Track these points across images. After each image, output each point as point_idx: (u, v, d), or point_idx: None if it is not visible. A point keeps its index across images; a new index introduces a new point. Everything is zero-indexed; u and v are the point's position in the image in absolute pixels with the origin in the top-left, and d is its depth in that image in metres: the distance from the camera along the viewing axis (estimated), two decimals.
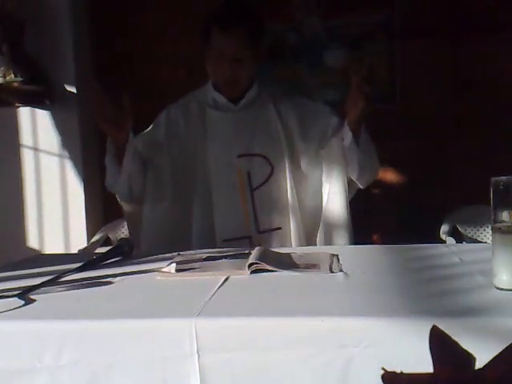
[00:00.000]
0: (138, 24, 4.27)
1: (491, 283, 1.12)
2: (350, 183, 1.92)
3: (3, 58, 3.82)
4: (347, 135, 1.82)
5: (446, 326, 0.94)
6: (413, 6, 3.95)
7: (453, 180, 4.02)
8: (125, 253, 1.61)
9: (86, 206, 4.16)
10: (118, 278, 1.34)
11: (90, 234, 4.11)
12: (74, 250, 3.78)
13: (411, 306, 1.04)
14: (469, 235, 3.72)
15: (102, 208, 4.38)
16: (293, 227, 1.89)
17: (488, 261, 1.17)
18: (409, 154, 3.89)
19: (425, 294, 1.11)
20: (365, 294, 1.13)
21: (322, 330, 0.97)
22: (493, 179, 1.09)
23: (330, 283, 1.22)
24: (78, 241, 4.06)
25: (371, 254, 1.55)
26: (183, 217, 1.91)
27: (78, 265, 1.44)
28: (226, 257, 1.50)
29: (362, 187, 1.94)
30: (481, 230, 3.71)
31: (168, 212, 1.92)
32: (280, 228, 1.91)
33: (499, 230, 1.08)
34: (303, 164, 1.93)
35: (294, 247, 1.80)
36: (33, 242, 4.15)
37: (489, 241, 3.50)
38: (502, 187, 1.08)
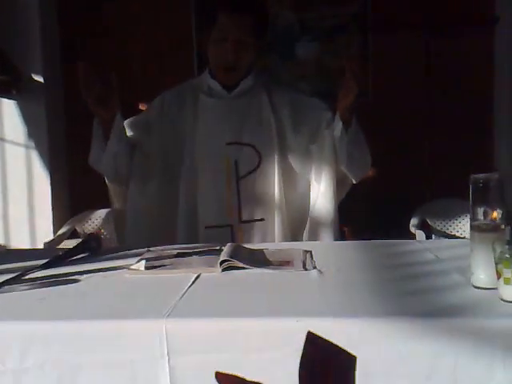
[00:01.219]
0: (106, 20, 4.19)
1: (469, 282, 1.11)
2: (342, 179, 1.91)
3: None
4: (338, 125, 1.81)
5: (423, 326, 0.93)
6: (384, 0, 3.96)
7: (423, 174, 4.04)
8: (92, 248, 1.56)
9: (52, 197, 4.09)
10: (85, 276, 1.30)
11: (56, 226, 4.05)
12: (40, 243, 3.72)
13: (387, 305, 1.02)
14: (438, 228, 3.75)
15: (68, 200, 4.31)
16: (276, 220, 1.88)
17: (464, 258, 1.16)
18: (381, 148, 3.89)
19: (401, 293, 1.09)
20: (339, 293, 1.11)
21: (296, 331, 0.94)
22: (472, 176, 1.07)
23: (304, 281, 1.20)
24: (45, 233, 3.99)
25: (345, 250, 1.53)
26: (169, 200, 1.90)
27: (44, 261, 1.40)
28: (197, 253, 1.47)
29: (354, 181, 1.92)
30: (450, 223, 3.74)
31: (154, 195, 1.91)
32: (263, 219, 1.89)
33: (478, 228, 1.06)
34: (292, 158, 1.91)
35: (266, 243, 1.77)
36: None
37: (458, 234, 3.54)
38: (481, 184, 1.06)
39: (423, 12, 3.91)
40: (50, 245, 3.72)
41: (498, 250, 0.97)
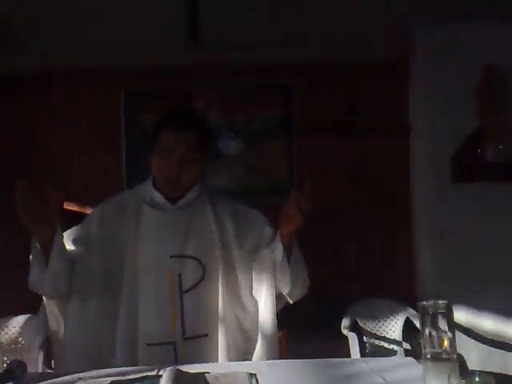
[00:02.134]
0: (35, 115, 4.15)
1: None
2: (279, 296, 1.87)
3: None
4: (278, 247, 1.80)
5: None
6: (309, 104, 4.16)
7: (351, 273, 4.11)
8: (17, 377, 1.43)
9: None
10: None
11: None
12: None
13: None
14: (368, 329, 3.74)
15: None
16: (220, 335, 1.80)
17: (412, 381, 1.14)
18: (310, 246, 3.94)
19: None
20: None
21: None
22: (420, 304, 1.07)
23: None
24: None
25: (290, 371, 1.47)
26: (108, 316, 1.80)
27: None
28: (133, 381, 1.38)
29: (290, 302, 1.90)
30: (380, 324, 3.75)
31: (94, 311, 1.81)
32: (207, 335, 1.81)
33: (431, 359, 1.05)
34: (236, 271, 1.88)
35: (209, 364, 1.69)
36: None
37: (388, 335, 3.54)
38: (430, 312, 1.05)
39: (345, 117, 4.14)
40: None
41: (455, 382, 0.95)
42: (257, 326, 1.86)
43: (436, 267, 3.91)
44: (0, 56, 4.00)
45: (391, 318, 3.71)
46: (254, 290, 1.88)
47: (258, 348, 1.83)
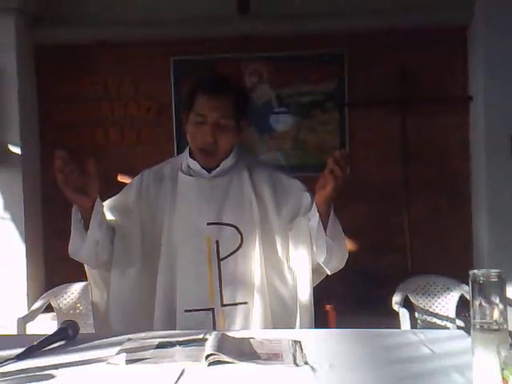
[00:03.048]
0: (87, 88, 4.21)
1: (469, 382, 1.05)
2: (317, 269, 1.85)
3: None
4: (314, 215, 1.76)
5: None
6: (362, 76, 4.06)
7: (403, 248, 4.03)
8: (69, 337, 1.48)
9: (27, 270, 4.00)
10: (61, 370, 1.21)
11: (31, 300, 3.93)
12: (14, 317, 3.58)
13: None
14: (420, 306, 3.69)
15: (44, 273, 4.21)
16: (259, 304, 1.80)
17: (461, 353, 1.12)
18: (358, 222, 3.90)
19: None
20: None
21: None
22: (471, 272, 1.03)
23: (296, 379, 1.13)
24: (19, 307, 3.87)
25: (337, 341, 1.45)
26: (148, 283, 1.83)
27: (17, 351, 1.31)
28: (179, 343, 1.40)
29: (329, 273, 1.87)
30: (432, 300, 3.68)
31: (135, 279, 1.84)
32: (246, 303, 1.82)
33: (480, 329, 1.01)
34: (274, 240, 1.86)
35: (253, 330, 1.70)
36: None
37: (441, 312, 3.48)
38: (481, 281, 1.01)
39: (397, 87, 4.02)
40: (24, 320, 3.58)
41: (504, 353, 0.92)
42: (293, 295, 1.84)
43: (494, 244, 3.81)
44: (52, 27, 4.10)
45: (445, 294, 3.64)
46: (290, 258, 1.87)
47: (294, 317, 1.82)
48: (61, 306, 3.78)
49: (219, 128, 1.80)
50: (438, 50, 3.99)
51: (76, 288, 3.83)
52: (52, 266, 4.16)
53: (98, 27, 4.11)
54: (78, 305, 3.77)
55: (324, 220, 1.74)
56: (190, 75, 3.96)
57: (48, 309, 3.79)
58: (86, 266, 1.90)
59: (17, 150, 3.95)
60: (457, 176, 4.06)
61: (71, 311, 3.71)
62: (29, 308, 3.84)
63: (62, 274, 3.90)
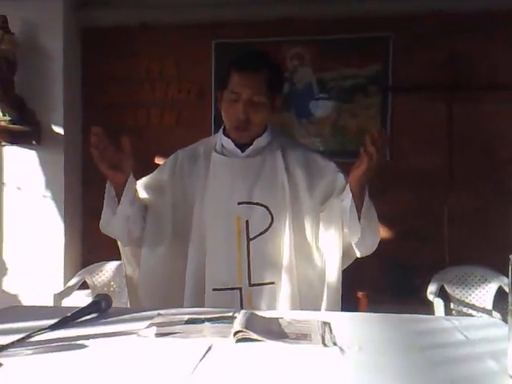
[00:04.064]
0: (129, 70, 4.24)
1: (504, 369, 1.02)
2: (347, 251, 1.84)
3: None
4: (347, 196, 1.76)
5: None
6: (407, 60, 3.97)
7: (441, 238, 3.96)
8: (101, 310, 1.51)
9: (65, 247, 4.09)
10: (93, 341, 1.24)
11: (67, 277, 4.02)
12: (50, 293, 3.68)
13: None
14: (457, 297, 3.64)
15: (80, 251, 4.29)
16: (286, 285, 1.81)
17: (496, 341, 1.09)
18: (397, 209, 3.85)
19: (432, 382, 1.01)
20: (364, 378, 1.02)
21: None
22: (511, 256, 1.00)
23: (324, 360, 1.12)
24: (55, 283, 3.96)
25: (368, 324, 1.44)
26: (180, 262, 1.86)
27: (51, 322, 1.34)
28: (208, 320, 1.41)
29: (359, 256, 1.86)
30: (469, 291, 3.63)
31: (165, 257, 1.87)
32: (273, 283, 1.83)
33: None
34: (304, 221, 1.86)
35: (282, 310, 1.71)
36: (9, 281, 4.05)
37: (477, 304, 3.43)
38: None
39: (443, 73, 3.92)
40: (59, 296, 3.68)
41: None
42: (321, 277, 1.84)
43: None
44: (97, 10, 4.15)
45: (482, 285, 3.58)
46: (320, 241, 1.86)
47: (321, 299, 1.82)
48: (95, 283, 3.87)
49: (252, 105, 1.80)
50: (489, 34, 3.86)
51: (110, 266, 3.91)
52: (88, 245, 4.24)
53: (141, 9, 4.16)
54: (112, 283, 3.85)
55: (358, 202, 1.72)
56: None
57: (83, 286, 3.89)
58: (119, 244, 1.94)
59: (60, 130, 4.02)
60: (503, 165, 3.94)
61: (105, 289, 3.79)
62: (65, 285, 3.93)
63: (97, 253, 3.97)
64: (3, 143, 4.01)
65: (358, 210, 1.73)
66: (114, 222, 1.80)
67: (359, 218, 1.73)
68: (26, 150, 4.02)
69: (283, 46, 4.08)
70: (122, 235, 1.85)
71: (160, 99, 4.26)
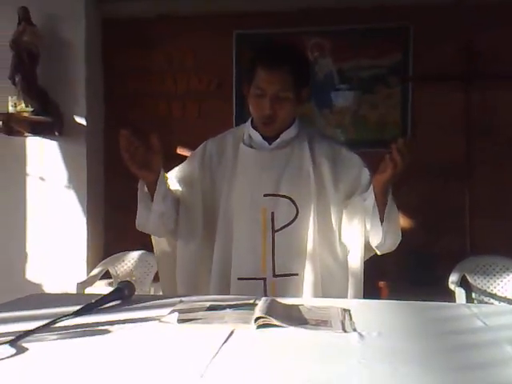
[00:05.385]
0: (150, 61, 4.26)
1: None
2: (367, 246, 1.85)
3: (15, 88, 3.86)
4: (369, 197, 1.77)
5: None
6: (427, 50, 3.95)
7: (462, 228, 3.94)
8: (125, 296, 1.53)
9: (88, 238, 4.14)
10: (116, 327, 1.26)
11: (90, 267, 4.07)
12: (73, 282, 3.73)
13: (436, 380, 0.94)
14: (478, 286, 3.62)
15: (103, 241, 4.34)
16: (310, 276, 1.83)
17: None
18: (418, 199, 3.84)
19: (449, 367, 1.01)
20: (383, 362, 1.02)
21: None
22: None
23: (344, 345, 1.13)
24: (78, 273, 4.02)
25: (387, 311, 1.45)
26: (209, 253, 1.89)
27: (76, 308, 1.37)
28: (230, 306, 1.43)
29: (379, 254, 1.88)
30: (491, 281, 3.61)
31: (197, 251, 1.91)
32: (297, 274, 1.84)
33: None
34: (331, 214, 1.87)
35: (303, 298, 1.72)
36: (33, 271, 4.11)
37: (499, 293, 3.41)
38: None
39: (463, 62, 3.90)
40: (82, 285, 3.73)
41: None
42: (344, 269, 1.86)
43: None
44: (118, 1, 4.18)
45: (504, 275, 3.56)
46: (342, 235, 1.88)
47: (345, 291, 1.84)
48: (118, 272, 3.92)
49: (278, 101, 1.81)
50: (508, 25, 3.83)
51: (133, 256, 3.96)
52: (111, 235, 4.29)
53: (162, 1, 4.16)
54: (134, 272, 3.90)
55: (380, 203, 1.73)
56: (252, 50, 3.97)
57: (106, 275, 3.94)
58: (152, 237, 1.97)
59: (82, 121, 4.06)
60: None
61: (127, 278, 3.83)
62: (88, 274, 3.98)
63: (119, 243, 4.02)
64: (26, 134, 4.06)
65: (381, 212, 1.74)
66: (149, 220, 1.83)
67: (382, 220, 1.74)
68: (49, 140, 4.07)
69: (303, 36, 4.07)
70: (158, 231, 1.90)
71: (181, 91, 4.28)
